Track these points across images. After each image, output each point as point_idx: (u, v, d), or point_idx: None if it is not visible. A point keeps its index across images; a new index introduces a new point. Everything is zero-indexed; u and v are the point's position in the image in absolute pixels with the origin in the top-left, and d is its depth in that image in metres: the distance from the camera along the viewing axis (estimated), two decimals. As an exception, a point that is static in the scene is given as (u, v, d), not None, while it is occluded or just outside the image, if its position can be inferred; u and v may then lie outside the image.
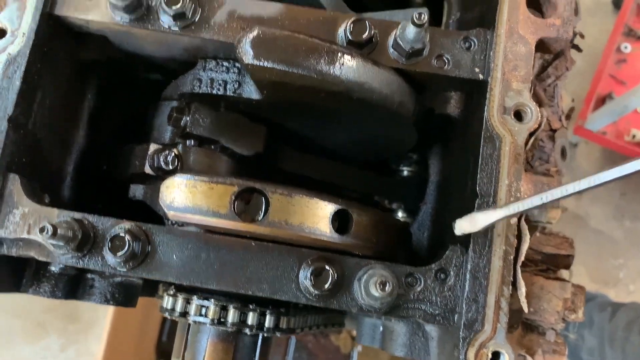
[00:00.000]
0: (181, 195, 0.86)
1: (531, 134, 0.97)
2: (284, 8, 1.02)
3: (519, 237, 0.96)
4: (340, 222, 0.91)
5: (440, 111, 1.12)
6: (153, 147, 1.11)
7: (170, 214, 0.87)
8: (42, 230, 0.84)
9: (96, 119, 1.22)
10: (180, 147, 1.12)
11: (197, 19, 1.01)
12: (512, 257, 0.94)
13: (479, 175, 0.95)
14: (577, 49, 1.67)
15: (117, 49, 1.13)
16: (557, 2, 1.02)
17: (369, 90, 0.96)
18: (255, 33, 0.91)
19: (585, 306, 3.64)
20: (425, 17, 0.92)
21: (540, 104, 1.48)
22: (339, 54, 0.93)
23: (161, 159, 1.09)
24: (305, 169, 1.33)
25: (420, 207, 1.33)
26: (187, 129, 1.10)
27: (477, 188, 0.95)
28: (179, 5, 0.97)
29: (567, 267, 1.53)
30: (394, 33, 1.00)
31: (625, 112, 3.66)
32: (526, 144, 0.97)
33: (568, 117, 1.65)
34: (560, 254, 1.50)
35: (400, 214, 1.50)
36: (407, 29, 0.96)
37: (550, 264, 1.44)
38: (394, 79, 0.99)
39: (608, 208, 4.65)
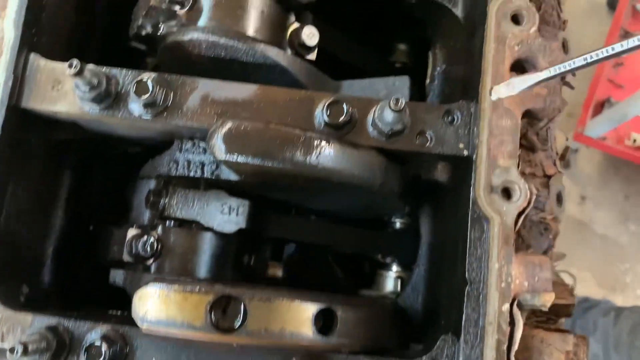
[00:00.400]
0: (154, 307, 0.82)
1: (520, 213, 0.93)
2: (259, 90, 0.98)
3: (512, 323, 0.92)
4: (324, 320, 0.87)
5: (427, 177, 1.09)
6: (131, 232, 1.07)
7: (144, 327, 0.83)
8: (11, 350, 0.81)
9: (75, 199, 1.19)
10: (159, 229, 1.08)
11: (169, 105, 0.97)
12: (505, 346, 0.90)
13: (467, 260, 0.91)
14: (569, 86, 1.63)
15: (90, 131, 1.09)
16: (543, 68, 0.97)
17: (349, 175, 0.92)
18: (226, 128, 0.87)
19: (589, 313, 3.58)
20: (402, 102, 0.88)
21: (533, 149, 1.44)
22: (315, 143, 0.89)
23: (139, 246, 1.06)
24: (293, 233, 1.30)
25: (413, 269, 1.29)
26: (166, 212, 1.07)
27: (467, 274, 0.91)
28: (148, 95, 0.94)
29: (569, 315, 1.49)
30: (373, 113, 0.96)
31: (624, 119, 3.61)
32: (516, 223, 0.93)
33: (563, 157, 1.60)
34: (560, 304, 1.46)
35: (394, 268, 1.47)
36: (385, 112, 0.92)
37: (550, 314, 1.40)
38: (375, 160, 0.95)
39: (612, 212, 4.60)
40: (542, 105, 0.96)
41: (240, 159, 0.87)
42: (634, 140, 4.02)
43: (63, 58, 1.15)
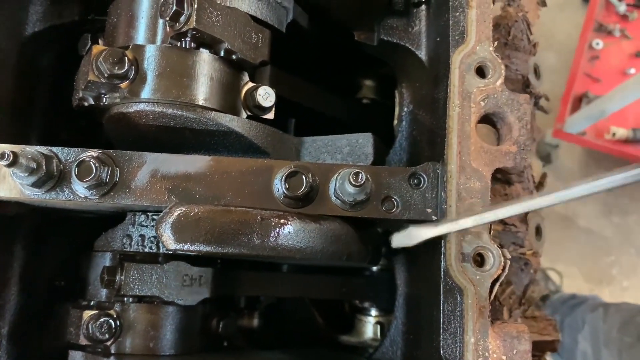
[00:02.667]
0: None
1: (495, 281, 0.88)
2: (212, 161, 0.92)
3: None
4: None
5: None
6: (87, 313, 1.01)
7: None
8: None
9: (28, 274, 1.12)
10: (117, 306, 1.02)
11: (116, 183, 0.91)
12: None
13: (442, 336, 0.86)
14: (543, 110, 1.58)
15: (38, 206, 1.02)
16: (512, 124, 0.92)
17: (313, 252, 0.87)
18: (175, 215, 0.81)
19: (577, 310, 3.56)
20: (362, 177, 0.82)
21: (509, 182, 1.39)
22: (273, 223, 0.83)
23: (97, 328, 0.99)
24: (264, 289, 1.24)
25: (391, 317, 1.25)
26: (123, 290, 1.00)
27: (442, 351, 0.86)
28: (91, 177, 0.87)
29: (554, 350, 1.45)
30: (334, 181, 0.90)
31: (602, 116, 3.59)
32: (490, 292, 0.88)
33: (541, 185, 1.56)
34: (545, 340, 1.42)
35: (373, 313, 1.42)
36: (346, 184, 0.86)
37: (535, 350, 1.36)
38: (340, 231, 0.90)
39: (596, 205, 4.60)
40: (513, 164, 0.91)
41: (192, 247, 0.81)
42: (614, 134, 4.00)
43: (6, 126, 1.10)
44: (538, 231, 1.42)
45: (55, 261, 1.16)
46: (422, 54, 1.14)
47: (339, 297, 1.37)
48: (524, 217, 1.39)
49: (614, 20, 4.27)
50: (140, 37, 0.93)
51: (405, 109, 1.28)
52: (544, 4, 1.65)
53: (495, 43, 0.95)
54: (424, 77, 1.16)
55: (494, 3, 1.42)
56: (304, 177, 0.88)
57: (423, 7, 1.14)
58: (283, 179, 0.88)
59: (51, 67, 1.20)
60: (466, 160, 0.91)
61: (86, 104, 0.95)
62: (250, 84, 1.01)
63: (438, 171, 0.93)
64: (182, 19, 0.89)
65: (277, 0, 1.04)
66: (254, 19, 1.00)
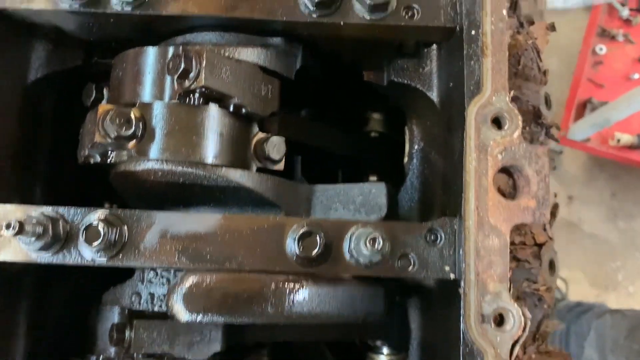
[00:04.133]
0: None
1: (516, 342, 0.86)
2: (223, 220, 0.89)
3: None
4: None
5: (412, 282, 1.01)
6: (97, 373, 0.98)
7: None
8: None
9: (35, 329, 1.09)
10: (127, 363, 1.00)
11: (124, 244, 0.88)
12: None
13: (462, 398, 0.84)
14: (554, 139, 1.56)
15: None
16: (530, 178, 0.90)
17: (327, 317, 0.84)
18: (186, 287, 0.79)
19: (583, 317, 3.54)
20: (379, 243, 0.80)
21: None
22: (287, 291, 0.81)
23: (106, 388, 0.97)
24: (275, 336, 1.21)
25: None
26: (132, 348, 0.98)
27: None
28: (99, 241, 0.85)
29: (569, 385, 1.43)
30: (349, 239, 0.87)
31: (607, 125, 3.57)
32: (511, 354, 0.86)
33: (553, 216, 1.54)
34: (560, 376, 1.40)
35: (385, 351, 1.39)
36: (362, 247, 0.84)
37: (550, 385, 1.34)
38: (355, 294, 0.88)
39: (600, 211, 4.57)
40: (532, 219, 0.88)
41: (205, 319, 0.78)
42: (618, 140, 3.97)
43: (10, 174, 1.07)
44: (551, 265, 1.40)
45: (62, 313, 1.14)
46: (434, 95, 1.11)
47: (351, 338, 1.35)
48: (537, 253, 1.37)
49: (617, 25, 4.23)
50: (147, 93, 0.90)
51: (416, 147, 1.25)
52: (553, 28, 1.62)
53: (512, 92, 0.92)
54: (435, 118, 1.14)
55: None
56: (318, 237, 0.85)
57: (434, 46, 1.11)
58: (296, 240, 0.86)
59: (54, 111, 1.17)
60: (484, 216, 0.88)
61: (92, 161, 0.92)
62: (260, 135, 0.98)
63: (455, 227, 0.90)
64: (191, 76, 0.86)
65: (286, 48, 1.02)
66: (263, 69, 0.97)
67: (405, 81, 1.13)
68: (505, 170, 0.92)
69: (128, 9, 0.95)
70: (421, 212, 1.19)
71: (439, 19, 0.97)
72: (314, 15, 0.95)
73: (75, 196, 1.11)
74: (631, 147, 4.01)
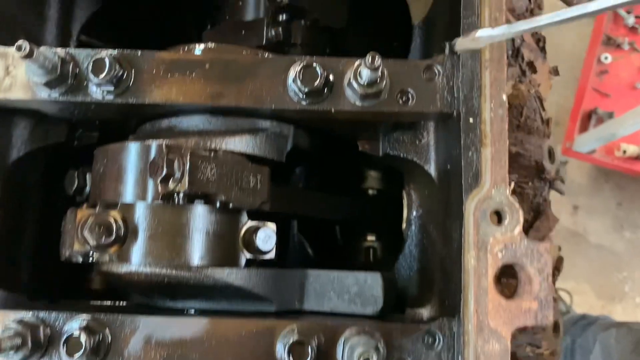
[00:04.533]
0: None
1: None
2: (209, 324, 0.86)
3: None
4: None
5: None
6: None
7: None
8: None
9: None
10: None
11: (107, 352, 0.85)
12: None
13: None
14: (559, 191, 1.51)
15: None
16: (532, 277, 0.85)
17: None
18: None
19: (589, 330, 3.49)
20: (373, 357, 0.76)
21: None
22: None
23: None
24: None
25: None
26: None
27: None
28: (80, 353, 0.81)
29: None
30: (342, 347, 0.84)
31: (612, 139, 3.51)
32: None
33: (557, 269, 1.49)
34: None
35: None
36: (355, 354, 0.80)
37: None
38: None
39: (606, 221, 4.52)
40: (534, 322, 0.84)
41: None
42: (624, 151, 3.91)
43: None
44: (556, 327, 1.35)
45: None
46: (431, 169, 1.07)
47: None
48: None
49: (622, 33, 4.15)
50: (129, 193, 0.86)
51: (415, 213, 1.20)
52: (556, 73, 1.57)
53: (512, 184, 0.88)
54: (433, 192, 1.09)
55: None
56: (309, 348, 0.81)
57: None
58: (286, 349, 0.82)
59: (39, 190, 1.13)
60: (484, 320, 0.84)
61: (74, 260, 0.88)
62: (250, 224, 0.94)
63: (454, 329, 0.86)
64: (174, 178, 0.82)
65: (276, 131, 0.97)
66: (252, 157, 0.93)
67: (402, 154, 1.08)
68: (506, 268, 0.88)
69: (109, 97, 0.90)
70: (420, 285, 1.14)
71: (434, 104, 0.92)
72: (304, 103, 0.91)
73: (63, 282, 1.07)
74: (637, 158, 3.95)
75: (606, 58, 4.11)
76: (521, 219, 0.87)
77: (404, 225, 1.24)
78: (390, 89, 0.91)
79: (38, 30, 1.17)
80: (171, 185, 0.82)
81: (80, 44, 1.31)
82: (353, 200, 1.30)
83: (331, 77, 0.91)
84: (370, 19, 1.39)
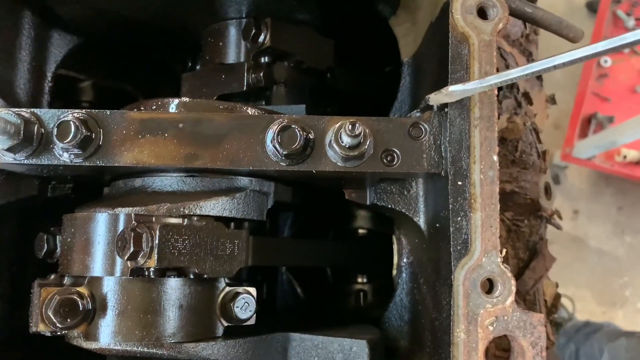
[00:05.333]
0: None
1: None
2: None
3: None
4: None
5: None
6: None
7: None
8: None
9: None
10: None
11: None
12: None
13: None
14: (556, 226, 1.46)
15: None
16: (524, 350, 0.80)
17: None
18: None
19: (593, 338, 3.43)
20: None
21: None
22: None
23: None
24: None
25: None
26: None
27: None
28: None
29: None
30: None
31: (612, 146, 3.46)
32: None
33: (554, 308, 1.45)
34: None
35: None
36: None
37: None
38: None
39: (607, 225, 4.47)
40: None
41: None
42: (625, 157, 3.86)
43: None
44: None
45: None
46: (421, 221, 1.02)
47: None
48: None
49: (622, 36, 4.08)
50: (97, 268, 0.81)
51: (405, 260, 1.16)
52: (553, 101, 1.52)
53: (504, 251, 0.83)
54: (423, 244, 1.04)
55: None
56: None
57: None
58: None
59: (12, 239, 1.09)
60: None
61: (42, 333, 0.83)
62: (227, 290, 0.89)
63: (443, 407, 0.81)
64: (143, 254, 0.77)
65: (256, 189, 0.92)
66: (229, 220, 0.88)
67: (390, 205, 1.03)
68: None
69: (78, 160, 0.85)
70: (410, 339, 1.10)
71: (421, 165, 0.87)
72: (283, 164, 0.85)
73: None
74: (638, 164, 3.90)
75: (606, 61, 4.05)
76: (513, 289, 0.82)
77: (394, 272, 1.20)
78: (375, 149, 0.86)
79: (7, 74, 1.12)
80: (140, 260, 0.77)
81: (59, 78, 1.26)
82: (341, 244, 1.25)
83: (312, 136, 0.86)
84: (358, 54, 1.34)
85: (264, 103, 1.12)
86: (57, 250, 0.92)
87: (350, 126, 0.77)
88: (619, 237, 4.45)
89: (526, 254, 1.35)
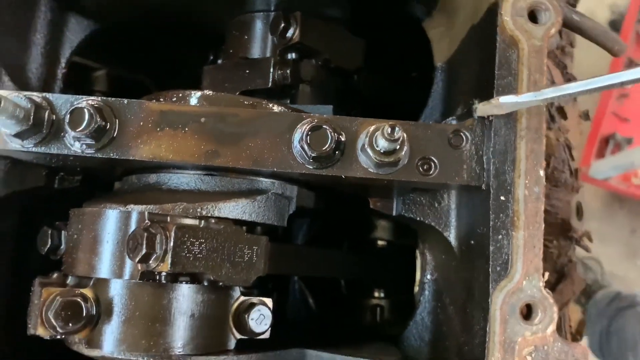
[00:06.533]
0: None
1: None
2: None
3: None
4: None
5: None
6: None
7: None
8: None
9: None
10: None
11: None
12: None
13: None
14: (584, 248, 1.39)
15: None
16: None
17: None
18: None
19: (626, 315, 3.21)
20: None
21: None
22: None
23: None
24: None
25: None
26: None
27: None
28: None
29: None
30: None
31: (630, 168, 3.38)
32: None
33: (579, 334, 1.37)
34: None
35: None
36: None
37: None
38: None
39: (618, 248, 4.38)
40: None
41: None
42: (642, 179, 3.78)
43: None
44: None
45: None
46: (451, 236, 0.95)
47: None
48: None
49: (645, 55, 4.02)
50: (104, 268, 0.74)
51: (429, 277, 1.09)
52: (587, 117, 1.45)
53: (547, 275, 0.76)
54: (452, 261, 0.97)
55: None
56: None
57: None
58: None
59: (13, 233, 1.02)
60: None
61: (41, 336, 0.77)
62: (241, 299, 0.82)
63: None
64: (155, 257, 0.70)
65: (278, 192, 0.86)
66: (248, 224, 0.81)
67: (418, 217, 0.96)
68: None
69: (90, 151, 0.79)
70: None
71: (460, 176, 0.80)
72: (310, 167, 0.79)
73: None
74: (655, 187, 3.82)
75: (627, 81, 3.96)
76: (555, 317, 0.75)
77: (416, 288, 1.13)
78: (411, 156, 0.79)
79: (20, 57, 1.06)
80: (152, 264, 0.70)
81: (73, 66, 1.21)
82: (359, 256, 1.19)
83: (343, 139, 0.79)
84: (385, 56, 1.28)
85: (288, 101, 1.06)
86: (62, 247, 0.86)
87: (389, 129, 0.70)
88: (630, 260, 4.36)
89: (554, 276, 1.28)
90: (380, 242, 1.27)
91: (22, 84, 1.04)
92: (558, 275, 1.28)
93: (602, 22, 4.64)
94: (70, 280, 0.77)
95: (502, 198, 0.77)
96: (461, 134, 0.80)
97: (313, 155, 0.77)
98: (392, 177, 0.79)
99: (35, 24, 1.09)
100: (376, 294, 1.26)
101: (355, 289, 1.30)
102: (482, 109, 0.78)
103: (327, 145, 0.76)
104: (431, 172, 0.80)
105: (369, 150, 0.77)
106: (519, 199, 0.77)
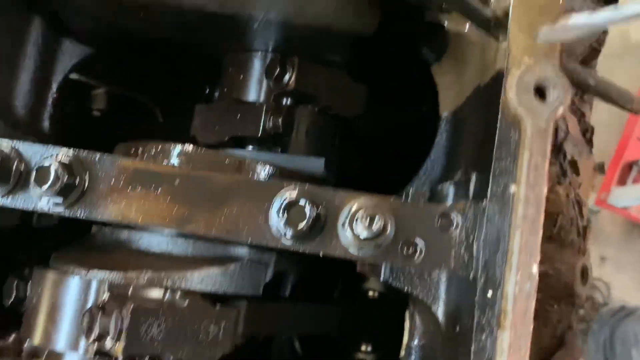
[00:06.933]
0: None
1: None
2: None
3: None
4: None
5: None
6: None
7: None
8: None
9: None
10: None
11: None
12: None
13: None
14: (587, 320, 1.32)
15: None
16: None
17: None
18: None
19: (627, 320, 3.19)
20: None
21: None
22: None
23: None
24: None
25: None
26: None
27: None
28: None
29: None
30: None
31: (653, 199, 3.26)
32: None
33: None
34: None
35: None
36: None
37: None
38: None
39: (634, 275, 4.26)
40: None
41: None
42: (663, 210, 3.66)
43: None
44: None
45: None
46: (439, 311, 0.89)
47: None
48: None
49: (677, 81, 3.87)
50: (60, 340, 0.70)
51: (416, 342, 1.03)
52: (602, 170, 1.37)
53: (533, 380, 0.70)
54: (439, 334, 0.92)
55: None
56: None
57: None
58: None
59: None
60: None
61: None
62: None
63: None
64: (110, 336, 0.66)
65: (254, 259, 0.81)
66: (220, 297, 0.77)
67: (406, 287, 0.91)
68: None
69: (57, 209, 0.75)
70: None
71: (447, 263, 0.74)
72: (287, 243, 0.74)
73: None
74: (677, 219, 3.69)
75: (656, 107, 3.83)
76: None
77: (402, 352, 1.07)
78: (395, 238, 0.74)
79: (6, 84, 1.03)
80: (107, 344, 0.66)
81: (67, 84, 1.17)
82: (349, 307, 1.14)
83: (323, 213, 0.74)
84: (387, 93, 1.22)
85: (280, 149, 1.01)
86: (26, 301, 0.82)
87: (368, 220, 0.65)
88: (642, 288, 4.25)
89: (552, 342, 1.21)
90: (371, 293, 1.22)
91: (7, 114, 1.01)
92: (557, 341, 1.21)
93: (636, 42, 4.48)
94: (27, 345, 0.74)
95: (490, 294, 0.71)
96: (451, 216, 0.74)
97: (290, 232, 0.72)
98: (373, 260, 0.74)
99: (25, 49, 1.06)
100: (363, 348, 1.21)
101: (343, 337, 1.25)
102: (545, 33, 0.69)
103: (303, 223, 0.71)
104: (416, 257, 0.74)
105: (348, 231, 0.71)
106: (507, 296, 0.71)
